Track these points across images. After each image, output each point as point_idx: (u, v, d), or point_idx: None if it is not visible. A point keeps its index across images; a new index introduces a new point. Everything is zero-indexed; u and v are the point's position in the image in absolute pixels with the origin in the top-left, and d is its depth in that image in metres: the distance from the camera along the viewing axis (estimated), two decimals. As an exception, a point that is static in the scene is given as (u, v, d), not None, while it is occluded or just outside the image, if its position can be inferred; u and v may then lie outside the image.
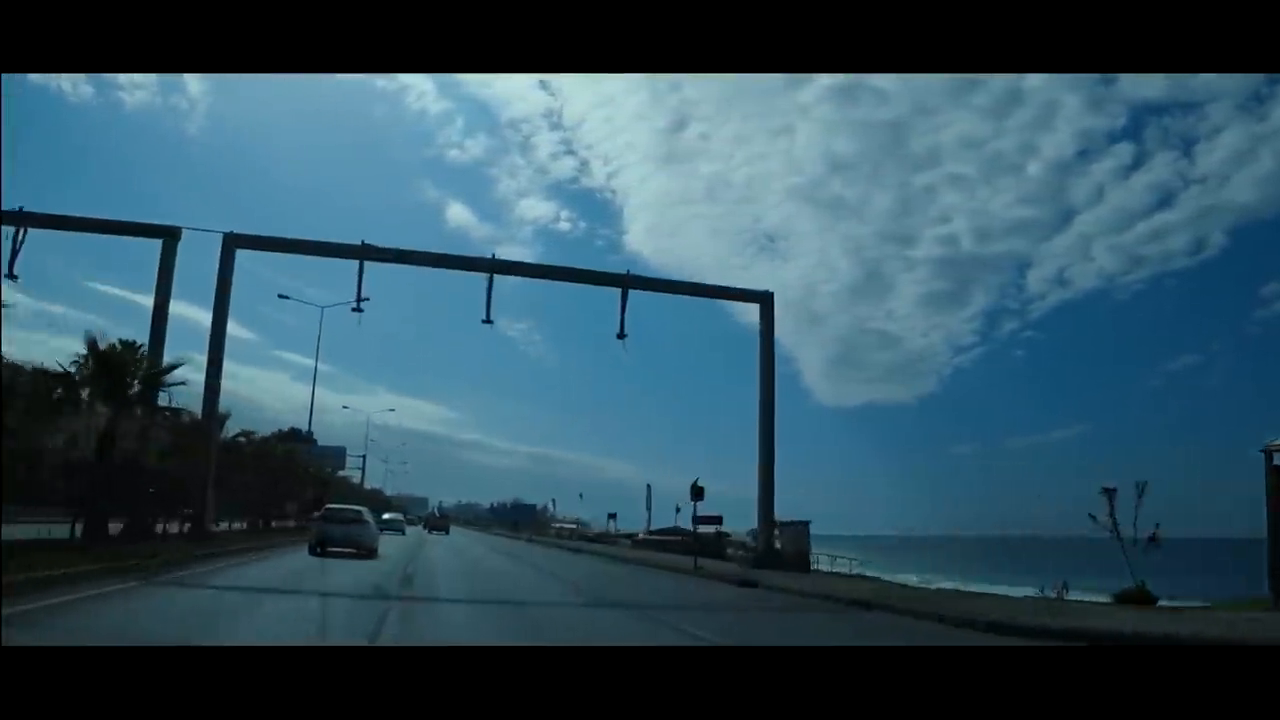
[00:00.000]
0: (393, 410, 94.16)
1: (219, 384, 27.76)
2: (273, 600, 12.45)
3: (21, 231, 26.02)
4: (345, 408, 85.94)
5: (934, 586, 26.70)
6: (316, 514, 25.56)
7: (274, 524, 39.35)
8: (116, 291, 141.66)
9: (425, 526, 73.12)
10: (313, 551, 22.33)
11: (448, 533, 60.84)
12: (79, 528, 18.69)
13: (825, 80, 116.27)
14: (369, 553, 22.58)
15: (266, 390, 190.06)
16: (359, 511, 24.76)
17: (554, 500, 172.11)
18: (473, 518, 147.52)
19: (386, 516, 55.80)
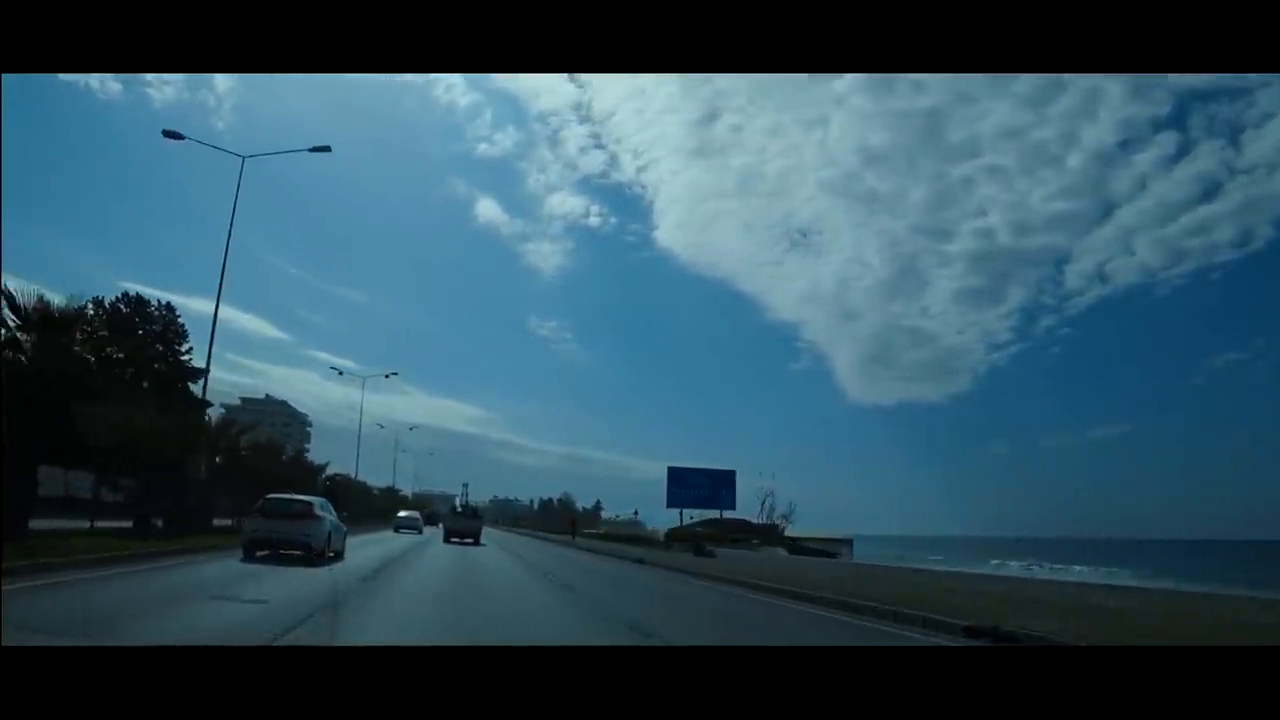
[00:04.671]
0: (413, 428, 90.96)
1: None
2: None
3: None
4: (381, 427, 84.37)
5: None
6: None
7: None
8: (145, 290, 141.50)
9: (433, 524, 56.44)
10: (247, 555, 17.70)
11: (478, 541, 36.86)
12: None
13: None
14: (319, 556, 17.96)
15: (299, 390, 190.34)
16: (309, 503, 19.61)
17: (599, 500, 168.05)
18: (512, 518, 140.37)
19: (403, 515, 55.02)
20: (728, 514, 48.61)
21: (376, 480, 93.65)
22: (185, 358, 41.16)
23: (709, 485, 41.45)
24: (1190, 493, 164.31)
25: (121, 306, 40.80)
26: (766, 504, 57.39)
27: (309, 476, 45.82)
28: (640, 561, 26.29)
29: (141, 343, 39.87)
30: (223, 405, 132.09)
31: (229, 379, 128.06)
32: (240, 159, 28.28)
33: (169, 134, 27.21)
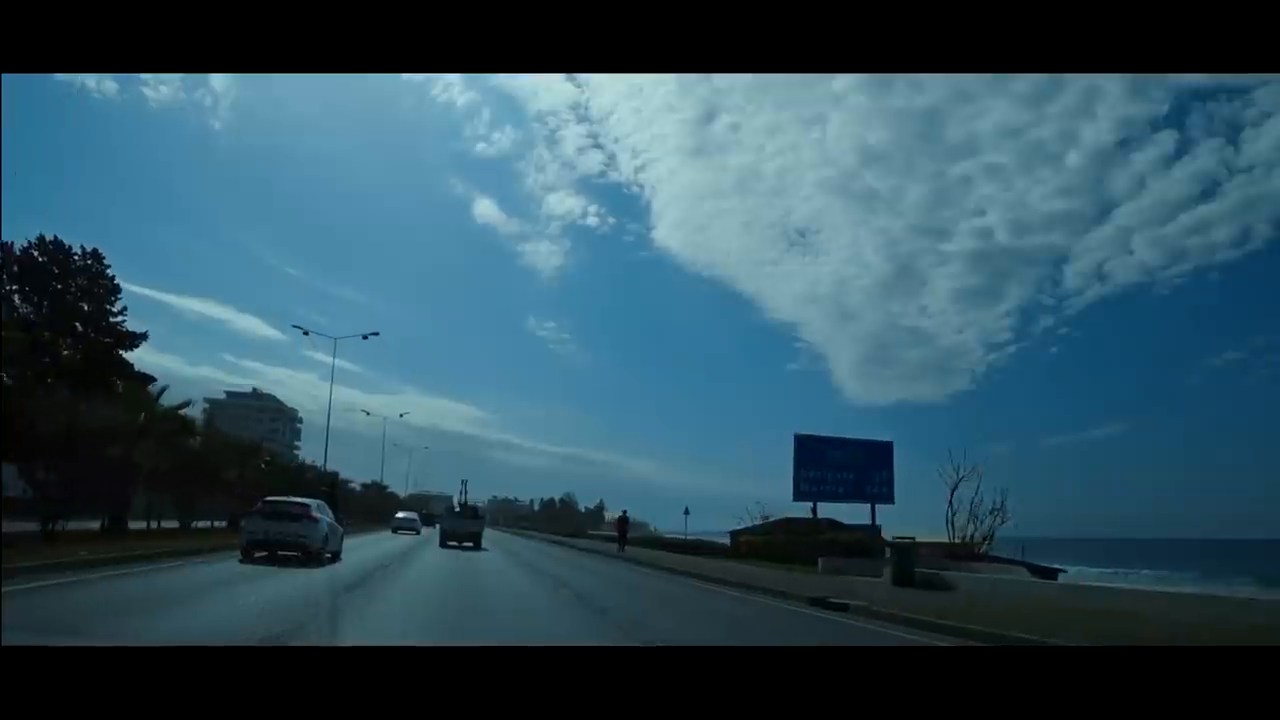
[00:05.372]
0: (405, 414, 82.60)
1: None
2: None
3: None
4: (368, 414, 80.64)
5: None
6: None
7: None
8: (144, 291, 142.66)
9: (430, 525, 52.13)
10: (246, 556, 17.76)
11: (479, 545, 32.22)
12: None
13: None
14: (316, 557, 18.02)
15: (297, 391, 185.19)
16: (306, 504, 19.57)
17: (603, 500, 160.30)
18: (513, 518, 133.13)
19: (400, 515, 53.83)
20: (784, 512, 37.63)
21: (361, 478, 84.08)
22: (118, 319, 31.19)
23: (858, 464, 26.07)
24: (1190, 492, 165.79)
25: (36, 254, 30.71)
26: (972, 498, 30.12)
27: (237, 460, 34.49)
28: (829, 606, 14.12)
29: (60, 297, 29.99)
30: (206, 400, 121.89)
31: (227, 380, 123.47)
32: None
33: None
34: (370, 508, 70.25)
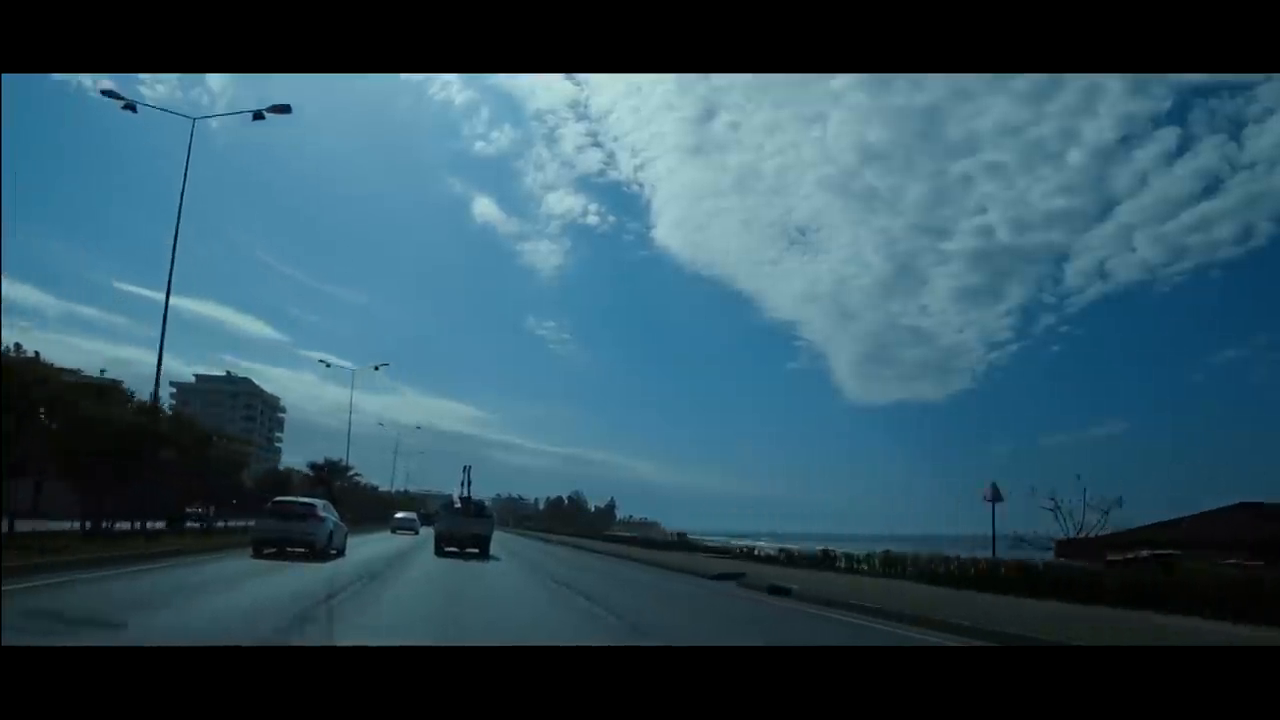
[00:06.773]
0: (381, 366, 66.69)
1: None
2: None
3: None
4: (327, 364, 63.89)
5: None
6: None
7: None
8: (143, 292, 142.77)
9: (430, 525, 42.85)
10: (256, 553, 19.04)
11: (486, 551, 25.29)
12: None
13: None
14: (322, 554, 19.27)
15: (296, 392, 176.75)
16: (311, 505, 21.07)
17: (613, 499, 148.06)
18: (519, 517, 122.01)
19: (400, 515, 53.50)
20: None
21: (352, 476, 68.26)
22: None
23: None
24: (1192, 491, 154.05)
25: None
26: None
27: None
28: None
29: None
30: (173, 384, 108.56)
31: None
32: (190, 120, 24.33)
33: (108, 93, 23.80)
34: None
